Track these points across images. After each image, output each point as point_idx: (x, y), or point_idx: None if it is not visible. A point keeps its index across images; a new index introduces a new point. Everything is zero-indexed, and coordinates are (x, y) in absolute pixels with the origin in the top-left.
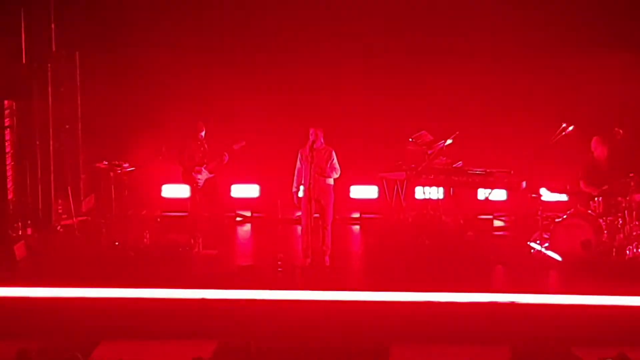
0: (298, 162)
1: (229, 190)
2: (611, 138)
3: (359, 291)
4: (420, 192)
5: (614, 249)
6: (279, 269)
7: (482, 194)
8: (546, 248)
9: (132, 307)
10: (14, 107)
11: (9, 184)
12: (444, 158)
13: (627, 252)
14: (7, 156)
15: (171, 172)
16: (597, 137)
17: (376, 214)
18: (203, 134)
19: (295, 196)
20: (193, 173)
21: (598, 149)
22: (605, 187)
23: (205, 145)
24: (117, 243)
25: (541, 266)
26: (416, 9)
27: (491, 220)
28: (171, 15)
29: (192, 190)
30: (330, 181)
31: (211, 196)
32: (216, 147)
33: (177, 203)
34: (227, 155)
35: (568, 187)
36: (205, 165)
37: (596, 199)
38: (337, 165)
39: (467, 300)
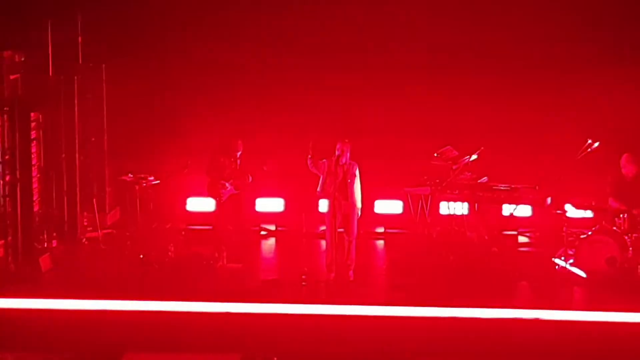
0: (323, 171)
1: (254, 204)
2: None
3: (382, 306)
4: (445, 208)
5: (639, 266)
6: (303, 283)
7: (507, 209)
8: (571, 264)
9: (156, 319)
10: (41, 120)
11: (35, 196)
12: (469, 173)
13: None
14: (33, 168)
15: (196, 185)
16: (627, 154)
17: (401, 229)
18: (239, 154)
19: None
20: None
21: (627, 166)
22: (636, 210)
23: (238, 163)
24: (141, 256)
25: (566, 283)
26: (441, 26)
27: (516, 236)
28: (198, 29)
29: (217, 204)
30: (356, 196)
31: (236, 210)
32: (247, 166)
33: (202, 216)
34: (250, 177)
35: (593, 204)
36: (231, 181)
37: (622, 215)
38: (358, 184)
39: (491, 316)
